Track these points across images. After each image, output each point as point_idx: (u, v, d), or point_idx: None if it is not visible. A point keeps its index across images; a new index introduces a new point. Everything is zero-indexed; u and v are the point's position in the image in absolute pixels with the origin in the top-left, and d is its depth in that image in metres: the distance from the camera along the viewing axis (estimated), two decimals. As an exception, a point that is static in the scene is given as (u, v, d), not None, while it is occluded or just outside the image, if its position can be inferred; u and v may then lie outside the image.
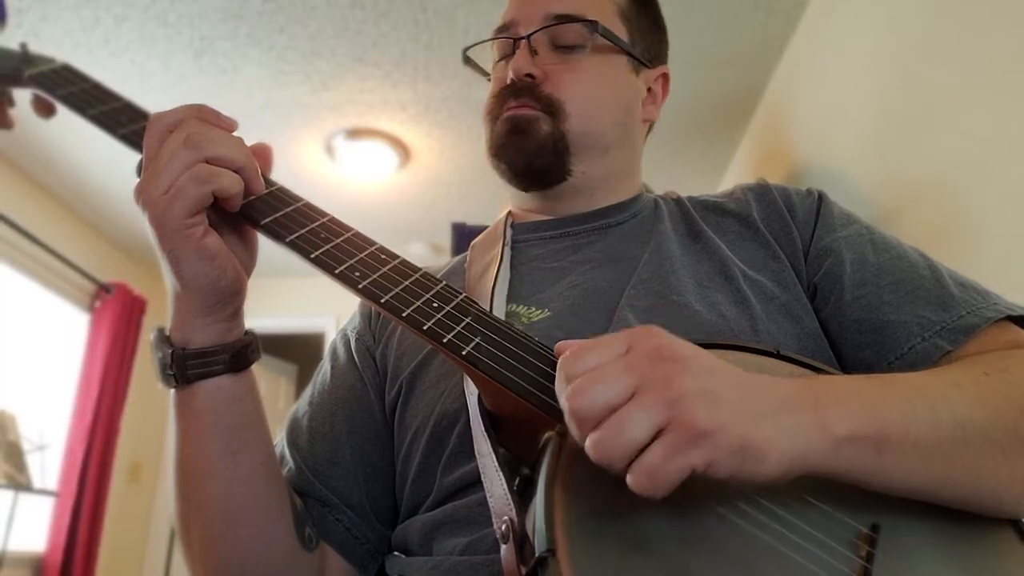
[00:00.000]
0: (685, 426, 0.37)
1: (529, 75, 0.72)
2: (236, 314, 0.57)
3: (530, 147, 0.72)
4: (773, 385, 0.43)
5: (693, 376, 0.39)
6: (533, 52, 0.73)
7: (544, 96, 0.72)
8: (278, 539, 0.61)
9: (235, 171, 0.53)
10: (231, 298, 0.55)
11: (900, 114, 1.47)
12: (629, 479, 0.38)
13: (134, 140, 0.60)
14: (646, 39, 0.79)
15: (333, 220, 0.58)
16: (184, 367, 0.55)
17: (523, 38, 0.73)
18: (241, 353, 0.57)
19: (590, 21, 0.73)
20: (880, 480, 0.44)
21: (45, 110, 0.68)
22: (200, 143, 0.51)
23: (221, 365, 0.56)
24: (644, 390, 0.39)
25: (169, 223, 0.50)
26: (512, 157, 0.73)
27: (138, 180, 0.53)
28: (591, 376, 0.40)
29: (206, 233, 0.52)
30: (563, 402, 0.40)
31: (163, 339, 0.56)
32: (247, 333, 0.59)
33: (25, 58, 0.69)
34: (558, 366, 0.43)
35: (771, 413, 0.40)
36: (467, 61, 0.83)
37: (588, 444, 0.39)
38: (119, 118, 0.62)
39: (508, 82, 0.73)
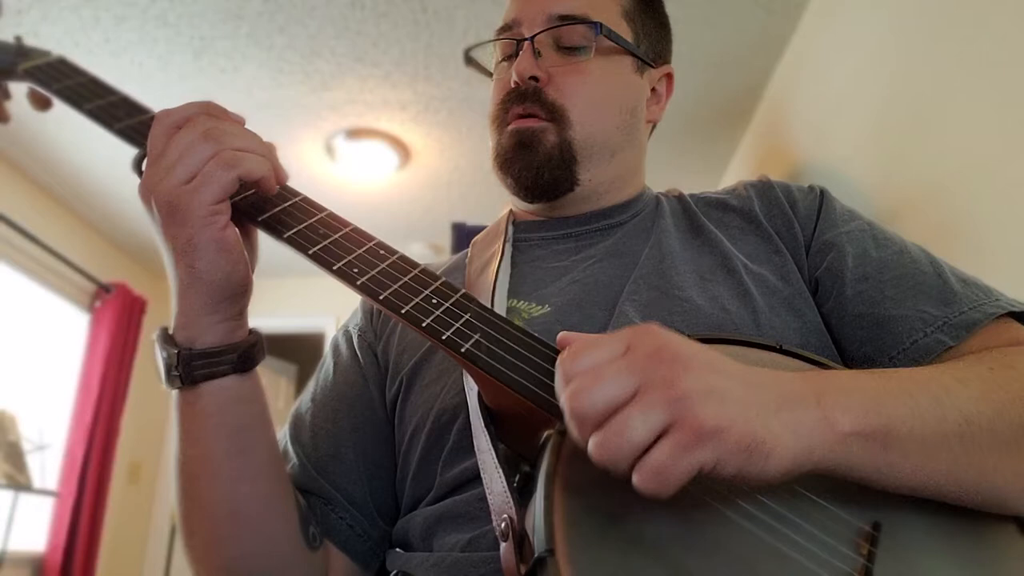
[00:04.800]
0: (691, 425, 0.37)
1: (533, 77, 0.72)
2: (242, 313, 0.56)
3: (537, 161, 0.71)
4: (776, 380, 0.43)
5: (696, 375, 0.39)
6: (537, 54, 0.72)
7: (548, 102, 0.71)
8: (283, 539, 0.61)
9: None
10: (240, 295, 0.55)
11: (900, 114, 1.47)
12: (635, 480, 0.37)
13: (131, 135, 0.59)
14: (650, 38, 0.79)
15: (331, 215, 0.58)
16: (190, 367, 0.54)
17: (527, 39, 0.72)
18: (248, 353, 0.56)
19: (594, 23, 0.72)
20: (886, 475, 0.44)
21: (41, 103, 0.67)
22: (221, 137, 0.51)
23: (228, 365, 0.55)
24: (646, 390, 0.38)
25: (196, 210, 0.50)
26: (519, 172, 0.72)
27: (141, 176, 0.53)
28: (591, 376, 0.39)
29: (227, 224, 0.52)
30: (563, 402, 0.40)
31: (167, 339, 0.55)
32: (252, 332, 0.58)
33: (20, 51, 0.68)
34: (557, 365, 0.42)
35: (775, 409, 0.40)
36: (469, 61, 0.82)
37: (591, 446, 0.38)
38: (116, 112, 0.61)
39: (512, 85, 0.72)
